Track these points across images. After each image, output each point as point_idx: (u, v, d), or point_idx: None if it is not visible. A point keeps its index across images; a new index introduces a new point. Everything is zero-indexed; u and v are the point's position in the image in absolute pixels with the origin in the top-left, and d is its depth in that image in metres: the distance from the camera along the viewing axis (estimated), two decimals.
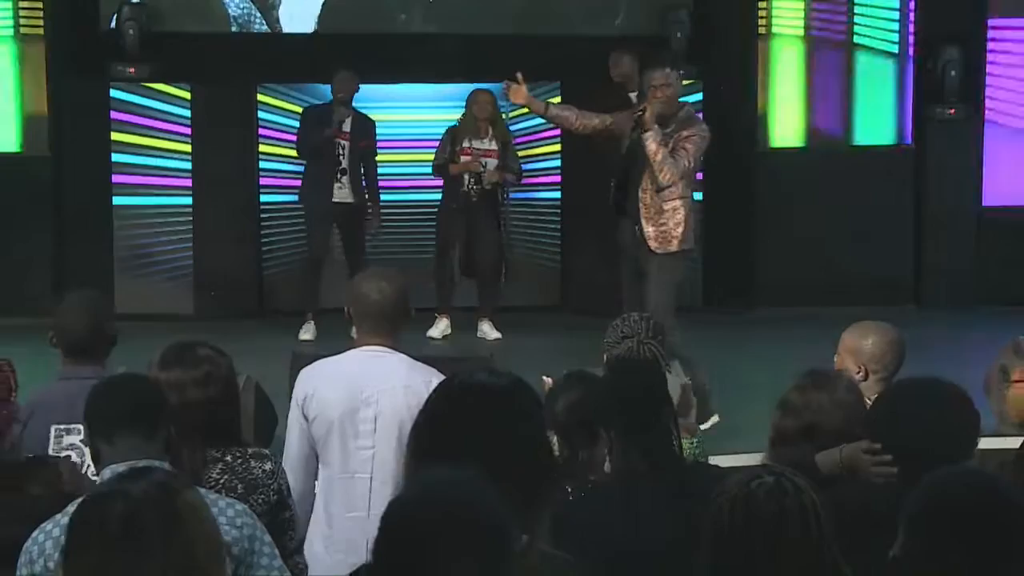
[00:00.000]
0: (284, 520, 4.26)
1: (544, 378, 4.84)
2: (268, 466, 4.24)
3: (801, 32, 12.17)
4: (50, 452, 4.64)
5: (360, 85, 11.06)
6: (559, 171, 12.17)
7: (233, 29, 12.12)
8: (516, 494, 2.74)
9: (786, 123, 12.23)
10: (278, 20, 12.14)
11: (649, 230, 8.41)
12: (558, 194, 12.20)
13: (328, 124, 10.88)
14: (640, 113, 8.35)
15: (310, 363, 4.97)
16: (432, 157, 11.08)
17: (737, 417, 7.89)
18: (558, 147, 12.12)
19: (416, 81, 11.82)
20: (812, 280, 11.78)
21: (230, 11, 12.10)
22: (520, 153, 11.31)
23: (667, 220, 8.39)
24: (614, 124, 8.64)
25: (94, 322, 4.99)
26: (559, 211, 12.22)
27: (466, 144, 10.87)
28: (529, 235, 12.19)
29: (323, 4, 12.15)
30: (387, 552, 2.49)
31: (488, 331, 11.06)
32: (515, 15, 12.13)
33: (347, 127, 10.94)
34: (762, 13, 12.11)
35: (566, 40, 12.00)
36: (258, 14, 12.08)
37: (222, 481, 4.15)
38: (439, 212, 11.15)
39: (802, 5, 12.16)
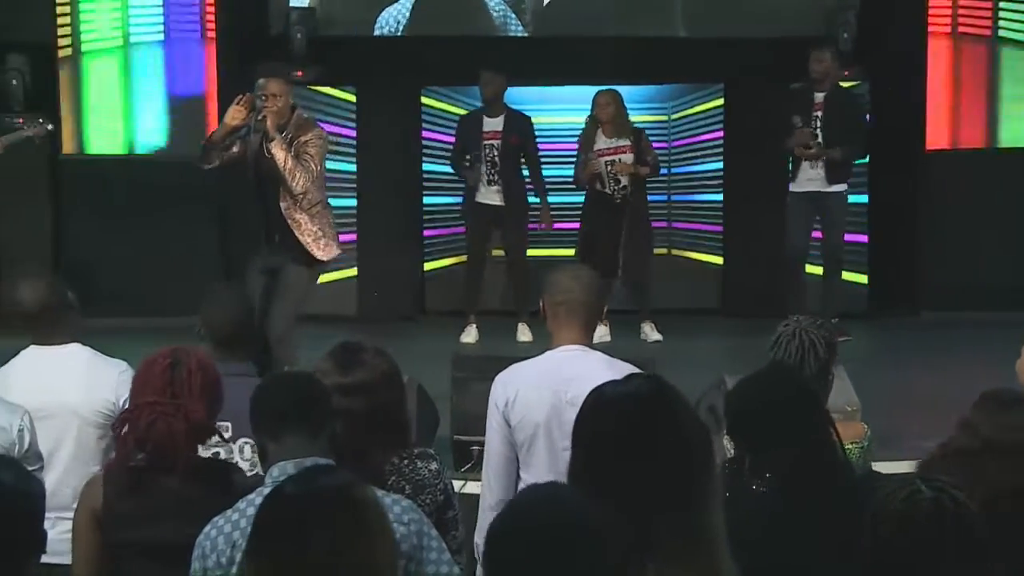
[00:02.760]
0: (449, 519, 4.28)
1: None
2: (434, 466, 4.26)
3: (982, 31, 11.91)
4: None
5: (508, 84, 10.98)
6: (721, 173, 12.08)
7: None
8: (672, 498, 2.72)
9: (957, 124, 11.99)
10: (531, 22, 12.12)
11: (309, 242, 8.28)
12: (720, 196, 12.11)
13: (477, 130, 10.90)
14: (262, 119, 8.22)
15: (506, 367, 4.98)
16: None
17: (900, 424, 7.77)
18: (720, 149, 12.04)
19: (574, 83, 11.79)
20: (979, 284, 11.55)
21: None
22: (681, 154, 11.21)
23: (318, 227, 8.30)
24: (245, 149, 8.43)
25: (243, 316, 5.06)
26: (721, 213, 12.12)
27: (597, 147, 10.81)
28: (689, 237, 12.12)
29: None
30: (491, 570, 2.52)
31: (650, 333, 10.97)
32: (681, 16, 12.05)
33: (499, 126, 10.94)
34: (934, 13, 11.87)
35: (730, 41, 11.90)
36: (513, 15, 12.09)
37: (390, 482, 4.16)
38: (581, 217, 11.06)
39: (990, 4, 11.90)
